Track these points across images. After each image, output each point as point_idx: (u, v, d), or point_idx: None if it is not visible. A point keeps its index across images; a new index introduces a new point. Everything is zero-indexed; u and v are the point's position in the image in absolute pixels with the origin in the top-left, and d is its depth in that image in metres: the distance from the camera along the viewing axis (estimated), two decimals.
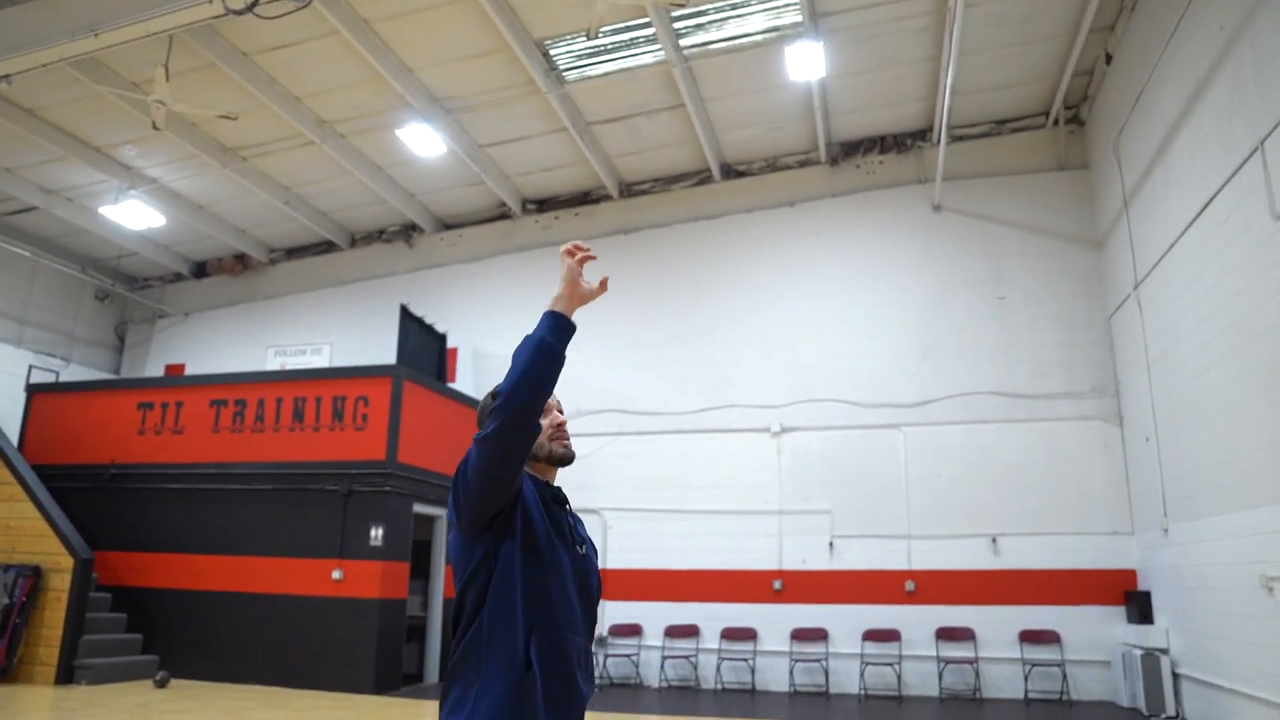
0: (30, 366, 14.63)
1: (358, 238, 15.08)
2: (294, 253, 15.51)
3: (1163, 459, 9.55)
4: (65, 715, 8.42)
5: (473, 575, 2.21)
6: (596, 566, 2.47)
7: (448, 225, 14.59)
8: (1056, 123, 11.85)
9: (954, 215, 12.24)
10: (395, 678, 10.80)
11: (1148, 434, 9.97)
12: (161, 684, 10.37)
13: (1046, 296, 11.67)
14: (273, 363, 14.53)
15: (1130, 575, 10.56)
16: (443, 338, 13.32)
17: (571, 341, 2.26)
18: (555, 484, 2.45)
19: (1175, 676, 9.26)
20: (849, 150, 12.75)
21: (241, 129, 11.55)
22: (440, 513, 12.01)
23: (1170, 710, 9.13)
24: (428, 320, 13.01)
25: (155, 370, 15.88)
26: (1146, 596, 10.05)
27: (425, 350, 12.79)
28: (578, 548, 2.39)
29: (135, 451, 12.15)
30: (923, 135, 12.45)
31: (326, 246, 15.18)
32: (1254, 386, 7.35)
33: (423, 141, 11.63)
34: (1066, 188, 11.87)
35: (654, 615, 11.86)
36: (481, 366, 13.49)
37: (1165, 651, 9.40)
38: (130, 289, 16.28)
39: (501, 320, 13.58)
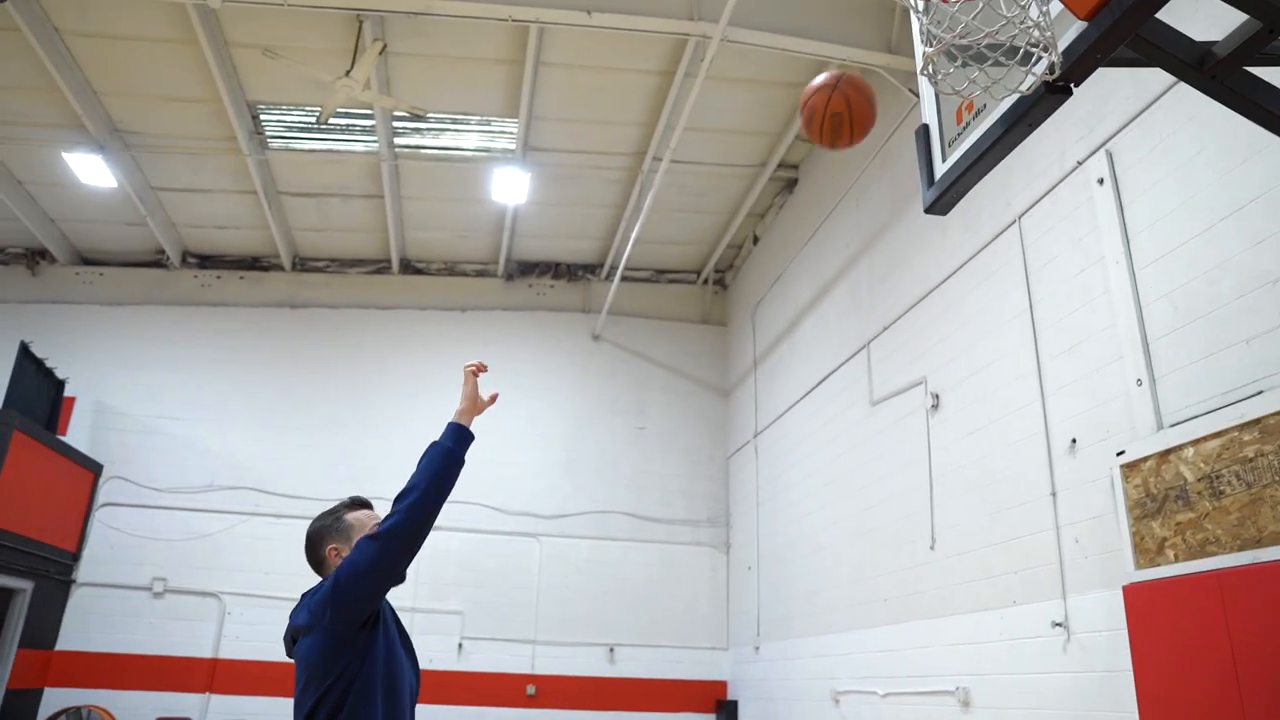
0: None
1: None
2: None
3: (761, 586, 11.15)
4: None
5: (340, 675, 2.36)
6: None
7: (87, 260, 13.08)
8: (706, 282, 13.72)
9: (610, 346, 13.51)
10: None
11: (750, 563, 11.59)
12: None
13: (679, 432, 13.21)
14: None
15: (722, 686, 12.00)
16: (61, 384, 11.79)
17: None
18: None
19: None
20: (524, 270, 13.63)
21: None
22: (24, 585, 10.47)
23: None
24: (49, 363, 11.49)
25: None
26: (734, 705, 11.49)
27: (38, 394, 11.23)
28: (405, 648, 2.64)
29: None
30: (592, 270, 13.69)
31: None
32: (843, 535, 9.02)
33: (90, 171, 10.54)
34: (707, 339, 13.69)
35: (267, 712, 11.16)
36: (104, 422, 12.09)
37: None
38: None
39: (140, 375, 12.37)
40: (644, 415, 13.23)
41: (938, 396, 7.44)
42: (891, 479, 8.12)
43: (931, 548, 7.27)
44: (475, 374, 2.72)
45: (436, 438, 2.55)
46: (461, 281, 13.64)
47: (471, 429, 2.66)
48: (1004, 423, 6.44)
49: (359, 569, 2.34)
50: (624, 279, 13.09)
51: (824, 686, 8.96)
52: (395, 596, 9.81)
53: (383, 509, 11.26)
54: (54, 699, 10.92)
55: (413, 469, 11.37)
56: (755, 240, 12.72)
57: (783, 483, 10.80)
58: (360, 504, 2.81)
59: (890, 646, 7.80)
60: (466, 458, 2.64)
